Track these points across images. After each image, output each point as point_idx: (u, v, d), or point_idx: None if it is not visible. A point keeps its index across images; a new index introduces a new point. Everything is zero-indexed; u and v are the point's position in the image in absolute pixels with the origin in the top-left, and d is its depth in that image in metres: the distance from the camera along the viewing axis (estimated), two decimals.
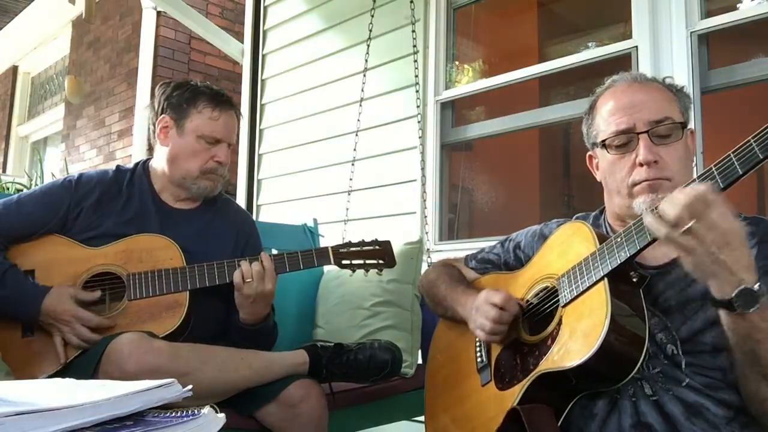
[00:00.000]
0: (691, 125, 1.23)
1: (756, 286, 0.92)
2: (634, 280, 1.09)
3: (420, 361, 2.05)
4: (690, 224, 0.91)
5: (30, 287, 1.52)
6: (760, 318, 0.93)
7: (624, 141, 1.18)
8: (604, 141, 1.21)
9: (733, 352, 1.00)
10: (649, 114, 1.16)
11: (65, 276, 1.57)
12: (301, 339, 1.95)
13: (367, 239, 1.72)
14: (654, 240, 1.02)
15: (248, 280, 1.55)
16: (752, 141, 0.94)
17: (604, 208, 1.32)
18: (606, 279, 1.08)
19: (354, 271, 1.71)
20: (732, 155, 0.96)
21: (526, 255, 1.43)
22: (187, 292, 1.57)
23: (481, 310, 1.27)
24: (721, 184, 0.96)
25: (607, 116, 1.21)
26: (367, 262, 1.70)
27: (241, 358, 1.51)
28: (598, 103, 1.26)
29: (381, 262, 1.71)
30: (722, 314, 0.97)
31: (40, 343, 1.52)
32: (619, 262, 1.07)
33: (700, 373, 1.07)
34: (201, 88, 1.73)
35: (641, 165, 1.15)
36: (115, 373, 1.31)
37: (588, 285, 1.11)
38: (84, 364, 1.41)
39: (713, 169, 0.97)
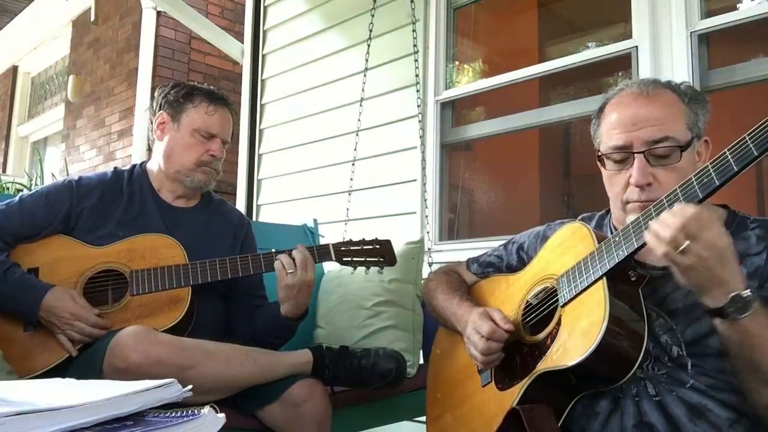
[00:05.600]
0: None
1: (746, 293, 0.94)
2: (633, 279, 1.09)
3: (421, 361, 2.05)
4: (686, 244, 0.94)
5: (31, 283, 1.53)
6: (753, 323, 0.95)
7: (621, 157, 1.17)
8: (604, 154, 1.20)
9: (734, 360, 1.01)
10: (649, 133, 1.13)
11: (69, 273, 1.58)
12: (301, 339, 1.94)
13: (368, 238, 1.74)
14: None
15: (290, 270, 1.57)
16: (708, 167, 0.96)
17: (610, 209, 1.31)
18: (604, 278, 1.08)
19: (355, 268, 1.73)
20: (693, 179, 0.99)
21: (528, 256, 1.43)
22: (189, 288, 1.59)
23: (471, 340, 1.27)
24: (700, 195, 0.97)
25: (608, 129, 1.20)
26: (368, 259, 1.72)
27: (245, 354, 1.51)
28: (606, 108, 1.23)
29: (382, 260, 1.73)
30: (717, 323, 0.99)
31: (42, 337, 1.53)
32: (617, 261, 1.07)
33: (704, 374, 1.07)
34: (197, 86, 1.79)
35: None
36: (121, 364, 1.32)
37: (586, 284, 1.11)
38: (89, 359, 1.41)
39: (693, 179, 0.99)
